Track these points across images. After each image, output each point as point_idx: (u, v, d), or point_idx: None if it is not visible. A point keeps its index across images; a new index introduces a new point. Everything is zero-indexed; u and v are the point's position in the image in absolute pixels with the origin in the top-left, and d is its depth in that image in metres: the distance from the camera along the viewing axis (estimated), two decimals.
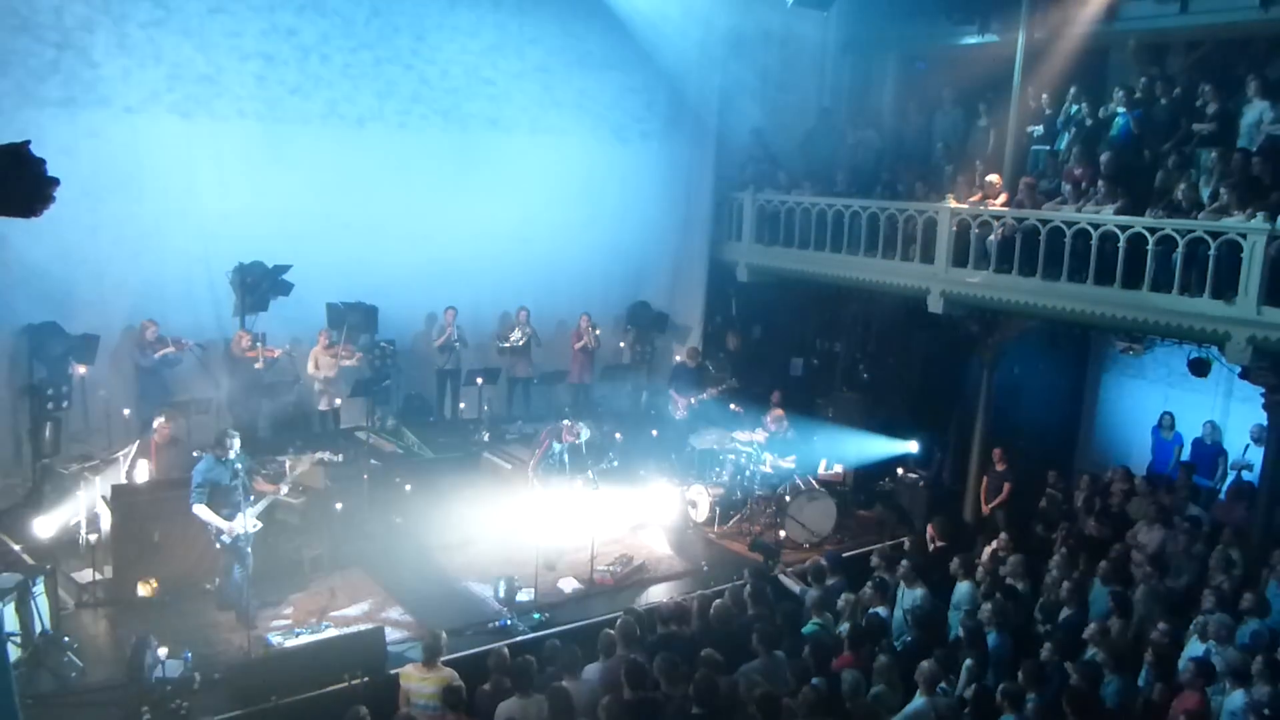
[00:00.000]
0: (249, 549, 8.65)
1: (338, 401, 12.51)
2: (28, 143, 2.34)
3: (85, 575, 9.19)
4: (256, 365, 11.80)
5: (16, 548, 9.42)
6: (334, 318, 12.88)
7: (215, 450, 8.72)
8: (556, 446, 10.78)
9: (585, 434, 10.91)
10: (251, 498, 8.70)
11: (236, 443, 8.69)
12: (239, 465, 8.65)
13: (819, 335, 16.06)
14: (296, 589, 9.37)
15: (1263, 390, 10.11)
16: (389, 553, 10.22)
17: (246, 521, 8.54)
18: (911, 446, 13.20)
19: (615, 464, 11.21)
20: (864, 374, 15.34)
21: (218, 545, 8.61)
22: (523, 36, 13.97)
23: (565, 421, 10.97)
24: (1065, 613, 8.59)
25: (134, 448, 10.22)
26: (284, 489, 9.24)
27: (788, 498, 11.67)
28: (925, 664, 6.74)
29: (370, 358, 12.86)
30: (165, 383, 11.59)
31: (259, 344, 11.94)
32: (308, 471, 9.89)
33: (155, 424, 10.22)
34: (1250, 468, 11.41)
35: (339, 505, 10.13)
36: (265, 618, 8.74)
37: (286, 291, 12.47)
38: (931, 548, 10.33)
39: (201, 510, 8.45)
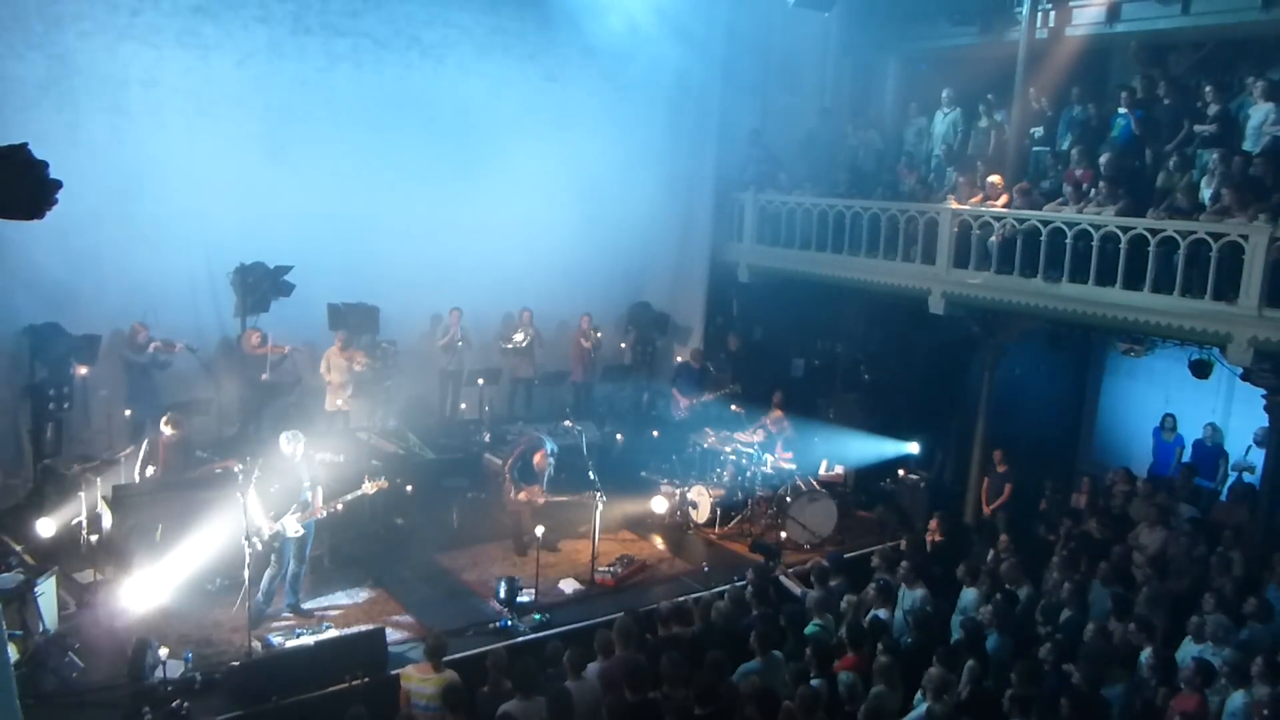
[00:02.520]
0: (286, 550, 8.70)
1: (339, 403, 12.52)
2: (26, 145, 2.34)
3: (87, 575, 9.19)
4: (264, 376, 11.78)
5: (18, 548, 9.43)
6: (335, 318, 12.89)
7: (281, 447, 8.75)
8: (524, 460, 10.75)
9: (550, 465, 10.86)
10: (296, 507, 8.70)
11: (299, 447, 8.70)
12: (300, 469, 8.70)
13: (820, 336, 16.06)
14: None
15: (1264, 392, 10.10)
16: (390, 553, 10.23)
17: (287, 524, 8.56)
18: (912, 448, 13.20)
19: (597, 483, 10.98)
20: (865, 375, 15.34)
21: (246, 547, 8.34)
22: (524, 37, 13.98)
23: (540, 452, 10.85)
24: (1066, 614, 8.59)
25: (142, 447, 10.23)
26: (323, 513, 8.94)
27: (788, 498, 11.67)
28: (933, 671, 6.71)
29: (372, 360, 12.87)
30: (156, 384, 11.55)
31: (270, 343, 11.98)
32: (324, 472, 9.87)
33: (163, 423, 10.23)
34: (1252, 469, 11.41)
35: (339, 506, 10.11)
36: (267, 618, 8.74)
37: (287, 292, 12.48)
38: (930, 543, 10.35)
39: (250, 501, 8.44)
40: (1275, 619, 8.32)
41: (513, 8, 13.89)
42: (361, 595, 9.46)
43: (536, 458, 10.78)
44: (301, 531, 8.73)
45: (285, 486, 8.64)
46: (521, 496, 10.55)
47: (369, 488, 9.07)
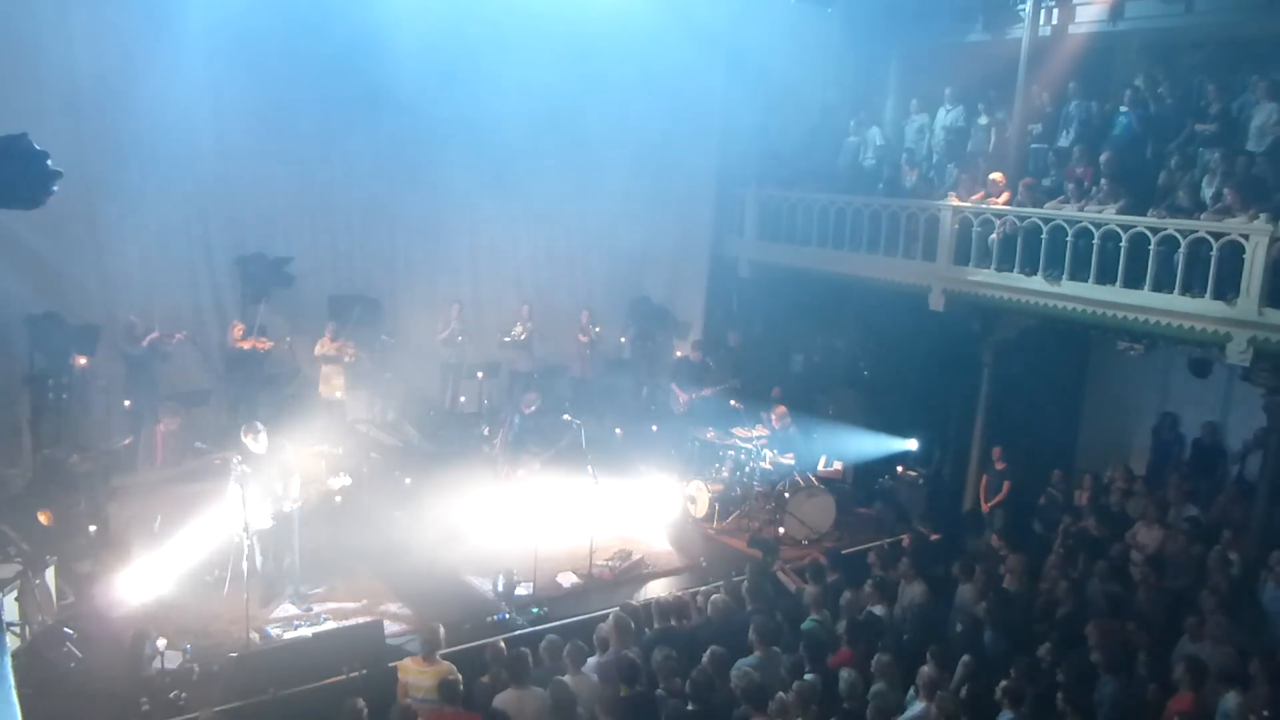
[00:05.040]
0: (264, 541, 8.71)
1: (338, 394, 12.52)
2: (26, 135, 2.34)
3: (85, 566, 9.19)
4: (244, 344, 11.73)
5: (17, 538, 9.43)
6: (336, 310, 12.90)
7: (245, 442, 8.75)
8: (516, 419, 11.08)
9: (536, 405, 11.19)
10: (272, 496, 8.69)
11: (261, 438, 8.68)
12: (268, 461, 8.69)
13: (820, 332, 16.05)
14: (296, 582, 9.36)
15: (1263, 391, 10.11)
16: (388, 546, 10.23)
17: (255, 516, 8.54)
18: (911, 444, 13.20)
19: (569, 443, 11.08)
20: (864, 371, 15.34)
21: (244, 539, 8.53)
22: (525, 33, 13.92)
23: (526, 398, 11.37)
24: (1062, 611, 8.60)
25: (140, 438, 10.24)
26: (293, 505, 8.91)
27: (787, 494, 11.67)
28: (924, 669, 6.72)
29: (371, 352, 12.86)
30: (154, 376, 11.53)
31: (253, 335, 11.94)
32: (309, 463, 9.87)
33: (162, 415, 10.24)
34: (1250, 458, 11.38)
35: (338, 498, 10.13)
36: (265, 610, 8.76)
37: (288, 284, 12.50)
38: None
39: (232, 492, 8.49)
40: (1267, 622, 8.34)
41: (512, 3, 13.82)
42: (360, 588, 9.47)
43: (523, 405, 11.18)
44: (271, 524, 8.70)
45: (258, 479, 8.64)
46: (520, 474, 10.64)
47: (332, 483, 9.08)
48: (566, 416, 11.20)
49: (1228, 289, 9.72)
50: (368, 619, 8.54)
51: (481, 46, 13.67)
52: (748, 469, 12.11)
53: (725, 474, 12.29)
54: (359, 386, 12.82)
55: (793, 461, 12.10)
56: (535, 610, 9.14)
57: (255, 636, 8.18)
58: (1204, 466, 11.98)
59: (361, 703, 6.36)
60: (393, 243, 13.75)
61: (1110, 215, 10.79)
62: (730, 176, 15.62)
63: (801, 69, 15.94)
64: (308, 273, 13.00)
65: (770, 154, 15.56)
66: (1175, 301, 10.14)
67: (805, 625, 8.02)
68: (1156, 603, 8.78)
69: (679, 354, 15.27)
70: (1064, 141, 12.63)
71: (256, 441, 8.66)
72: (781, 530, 11.43)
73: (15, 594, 7.72)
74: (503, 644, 7.36)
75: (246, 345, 11.84)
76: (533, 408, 11.09)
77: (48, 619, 8.03)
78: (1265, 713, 6.65)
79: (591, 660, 7.09)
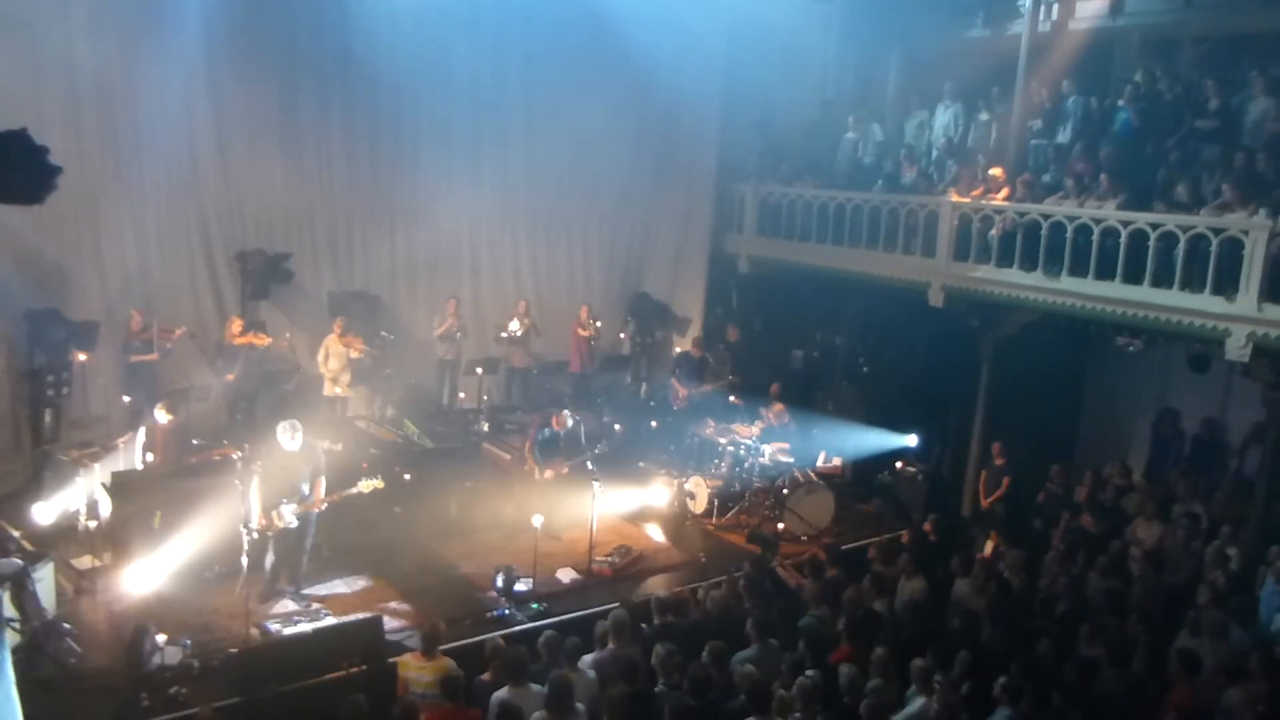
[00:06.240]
0: (281, 540, 8.70)
1: (338, 389, 12.51)
2: (26, 130, 2.33)
3: (85, 562, 9.20)
4: (229, 376, 11.69)
5: (16, 534, 9.44)
6: (336, 306, 12.89)
7: (279, 438, 8.73)
8: (547, 431, 11.07)
9: (570, 423, 11.19)
10: (297, 497, 8.67)
11: (299, 436, 8.66)
12: (299, 459, 8.67)
13: (819, 328, 16.05)
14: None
15: (1262, 386, 10.12)
16: (388, 542, 10.24)
17: (278, 515, 8.54)
18: (910, 440, 13.19)
19: (601, 450, 11.25)
20: (864, 367, 15.33)
21: (244, 534, 8.47)
22: (525, 27, 13.92)
23: (557, 416, 11.21)
24: (1061, 607, 8.60)
25: (140, 435, 10.23)
26: (322, 506, 8.92)
27: (786, 490, 11.68)
28: (917, 661, 6.73)
29: (371, 348, 12.86)
30: (153, 372, 11.50)
31: (251, 330, 11.93)
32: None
33: (159, 410, 10.23)
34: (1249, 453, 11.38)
35: (344, 496, 10.11)
36: (265, 605, 8.76)
37: (287, 280, 12.49)
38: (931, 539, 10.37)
39: (251, 489, 8.49)
40: (1260, 620, 8.35)
41: (512, 2, 13.79)
42: (359, 584, 9.46)
43: (555, 421, 11.03)
44: (296, 523, 8.70)
45: (283, 476, 8.63)
46: (548, 475, 10.68)
47: (364, 487, 9.04)
48: (566, 412, 11.25)
49: (1227, 285, 9.72)
50: (368, 615, 8.54)
51: (481, 44, 13.67)
52: (747, 465, 12.12)
53: (724, 470, 12.30)
54: (359, 383, 12.82)
55: (791, 457, 12.11)
56: (535, 606, 9.14)
57: (255, 632, 8.18)
58: (1203, 462, 11.98)
59: (362, 698, 6.36)
60: (391, 238, 13.73)
61: (1110, 211, 10.79)
62: (729, 172, 15.62)
63: (801, 65, 15.92)
64: (306, 268, 12.99)
65: (770, 150, 15.56)
66: (1175, 297, 10.14)
67: (804, 621, 8.02)
68: (1155, 598, 8.78)
69: (678, 350, 15.28)
70: (1063, 137, 12.63)
71: (293, 440, 8.64)
72: (780, 526, 11.43)
73: (14, 590, 7.71)
74: (501, 640, 7.36)
75: (244, 341, 11.82)
76: (568, 426, 11.12)
77: (47, 615, 8.03)
78: (1260, 708, 6.66)
79: (588, 657, 7.09)
